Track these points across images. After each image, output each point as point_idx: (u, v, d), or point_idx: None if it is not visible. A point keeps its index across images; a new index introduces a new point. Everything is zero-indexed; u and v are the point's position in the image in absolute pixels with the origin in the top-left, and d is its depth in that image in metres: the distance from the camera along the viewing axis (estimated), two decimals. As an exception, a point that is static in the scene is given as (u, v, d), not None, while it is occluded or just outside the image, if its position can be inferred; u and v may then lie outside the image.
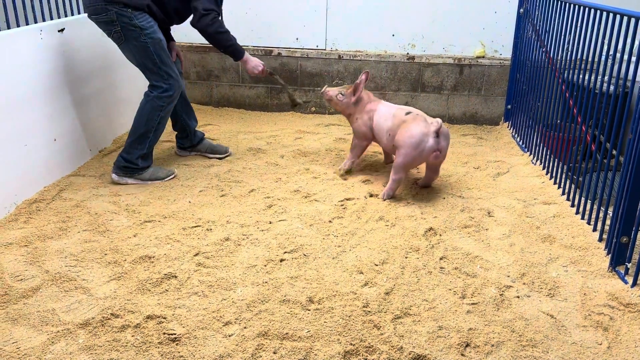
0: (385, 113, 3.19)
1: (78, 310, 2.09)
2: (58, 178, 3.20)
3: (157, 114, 3.11)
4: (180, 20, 3.26)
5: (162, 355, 1.88)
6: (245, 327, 2.01)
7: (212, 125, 4.35)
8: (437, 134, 2.90)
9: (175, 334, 1.96)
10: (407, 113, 3.03)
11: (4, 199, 2.76)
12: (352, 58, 4.53)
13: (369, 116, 3.27)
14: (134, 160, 3.15)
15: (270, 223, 2.79)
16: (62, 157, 3.22)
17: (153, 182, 3.21)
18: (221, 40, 3.16)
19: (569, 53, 3.19)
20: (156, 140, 3.24)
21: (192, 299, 2.17)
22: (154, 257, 2.44)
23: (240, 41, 3.38)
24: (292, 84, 4.65)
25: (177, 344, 1.93)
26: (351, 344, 1.93)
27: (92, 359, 1.85)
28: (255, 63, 3.32)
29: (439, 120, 2.91)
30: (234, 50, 3.22)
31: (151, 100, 3.09)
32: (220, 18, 3.15)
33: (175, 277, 2.31)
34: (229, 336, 1.97)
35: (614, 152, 2.78)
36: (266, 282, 2.29)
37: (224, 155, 3.62)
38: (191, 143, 3.62)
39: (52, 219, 2.76)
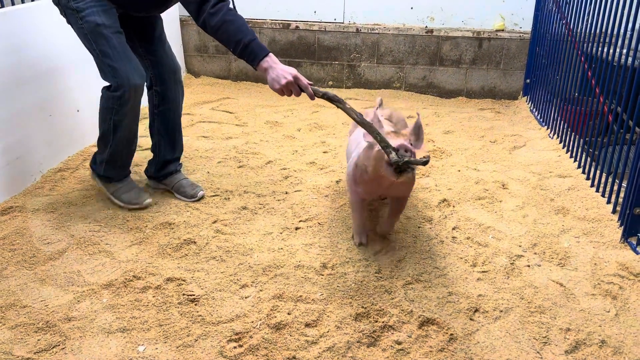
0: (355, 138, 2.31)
1: (102, 272, 2.19)
2: (81, 148, 3.30)
3: (109, 117, 2.45)
4: (155, 6, 2.44)
5: (181, 314, 1.96)
6: (260, 290, 2.09)
7: (231, 99, 4.40)
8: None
9: (194, 295, 2.05)
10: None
11: (31, 167, 2.87)
12: (369, 31, 4.52)
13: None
14: (96, 161, 2.64)
15: (287, 193, 2.85)
16: (85, 128, 3.31)
17: (127, 205, 2.62)
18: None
19: (590, 25, 3.15)
20: (123, 152, 2.58)
21: (210, 263, 2.25)
22: (174, 223, 2.53)
23: (257, 15, 3.18)
24: (309, 57, 4.66)
25: (195, 305, 2.01)
26: (363, 307, 2.00)
27: (115, 316, 1.94)
28: (277, 74, 2.20)
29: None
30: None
31: (103, 99, 2.44)
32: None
33: (195, 242, 2.39)
34: (245, 298, 2.05)
35: (631, 125, 2.76)
36: (281, 249, 2.36)
37: (191, 200, 2.73)
38: (153, 173, 2.79)
39: (76, 187, 2.86)
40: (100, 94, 2.45)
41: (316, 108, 4.20)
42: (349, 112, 2.11)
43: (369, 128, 2.01)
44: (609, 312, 2.02)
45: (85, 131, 3.32)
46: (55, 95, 3.04)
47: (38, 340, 1.83)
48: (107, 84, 2.41)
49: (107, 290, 2.08)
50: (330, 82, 4.73)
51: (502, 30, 4.41)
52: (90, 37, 2.31)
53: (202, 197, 2.76)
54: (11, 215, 2.57)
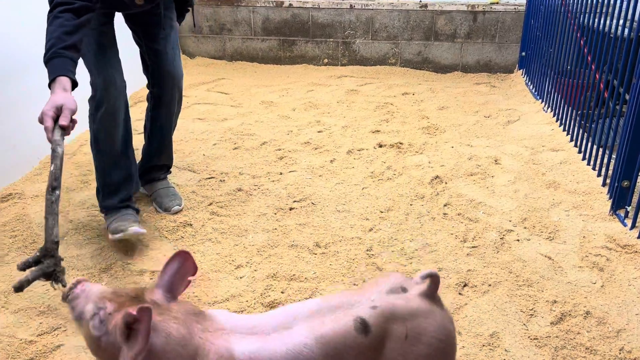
0: None
1: (100, 257, 2.25)
2: (77, 134, 3.33)
3: (91, 122, 2.29)
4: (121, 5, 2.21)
5: (178, 295, 2.02)
6: (255, 270, 2.15)
7: (226, 79, 4.41)
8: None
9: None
10: (363, 324, 1.19)
11: (29, 154, 2.91)
12: (363, 7, 4.49)
13: None
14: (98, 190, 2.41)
15: (281, 174, 2.89)
16: (81, 114, 3.32)
17: (113, 236, 2.24)
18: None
19: (582, -3, 3.13)
20: (111, 173, 2.33)
21: (206, 245, 2.31)
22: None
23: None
24: (304, 35, 4.65)
25: (191, 286, 2.07)
26: (354, 284, 2.05)
27: (114, 299, 2.00)
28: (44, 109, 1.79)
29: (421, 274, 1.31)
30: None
31: (89, 100, 2.28)
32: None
33: (190, 225, 2.44)
34: (240, 278, 2.11)
35: (627, 97, 2.77)
36: (275, 229, 2.40)
37: (164, 212, 2.53)
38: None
39: (74, 172, 2.90)
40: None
41: (311, 87, 4.21)
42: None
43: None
44: (595, 283, 2.07)
45: (82, 117, 3.33)
46: (50, 82, 3.06)
47: (40, 323, 1.89)
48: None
49: (105, 274, 2.14)
50: (326, 60, 4.72)
51: (497, 2, 4.37)
52: None
53: (177, 212, 2.51)
54: (11, 202, 2.62)
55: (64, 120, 1.73)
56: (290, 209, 2.57)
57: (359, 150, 3.13)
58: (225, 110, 3.76)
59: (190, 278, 1.27)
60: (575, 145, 3.10)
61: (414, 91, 4.12)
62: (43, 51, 1.92)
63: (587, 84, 3.15)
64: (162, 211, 2.54)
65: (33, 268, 1.55)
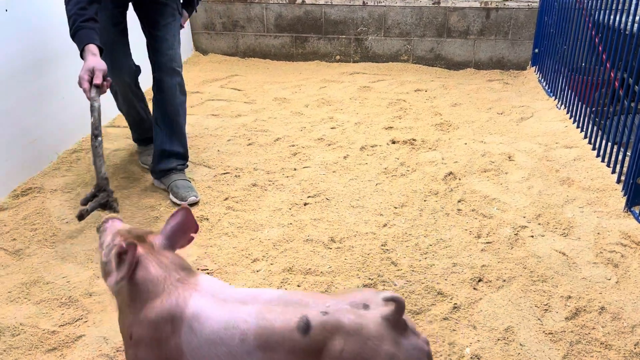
0: (220, 331, 1.25)
1: (119, 249, 2.28)
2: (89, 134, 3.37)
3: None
4: None
5: (196, 288, 2.06)
6: (271, 264, 2.17)
7: (239, 76, 4.44)
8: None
9: (208, 270, 2.14)
10: (306, 325, 1.20)
11: (48, 149, 2.96)
12: (376, 4, 4.50)
13: (160, 335, 1.28)
14: None
15: (295, 170, 2.91)
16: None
17: (143, 165, 2.96)
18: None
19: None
20: (128, 118, 2.92)
21: (223, 239, 2.34)
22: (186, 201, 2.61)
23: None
24: (316, 32, 4.67)
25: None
26: (369, 278, 2.08)
27: (133, 291, 2.04)
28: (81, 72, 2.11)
29: (383, 293, 1.25)
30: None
31: None
32: None
33: (207, 219, 2.47)
34: (257, 271, 2.13)
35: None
36: (291, 224, 2.43)
37: (180, 202, 2.57)
38: (153, 167, 2.75)
39: (91, 167, 2.93)
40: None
41: (324, 84, 4.23)
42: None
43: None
44: (610, 279, 2.08)
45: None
46: (68, 78, 3.10)
47: (62, 314, 1.93)
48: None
49: (124, 267, 2.18)
50: (338, 57, 4.73)
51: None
52: None
53: (194, 204, 2.56)
54: (30, 195, 2.66)
55: (97, 80, 2.08)
56: (305, 204, 2.59)
57: (372, 147, 3.15)
58: (239, 107, 3.79)
59: (192, 235, 1.43)
60: (590, 142, 3.09)
61: (427, 88, 4.13)
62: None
63: (601, 81, 3.14)
64: (178, 201, 2.57)
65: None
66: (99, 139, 2.08)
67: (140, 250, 1.33)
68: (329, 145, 3.19)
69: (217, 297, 1.29)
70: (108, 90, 2.24)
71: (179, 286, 1.31)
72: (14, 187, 2.71)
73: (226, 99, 3.93)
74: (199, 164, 2.97)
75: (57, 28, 2.99)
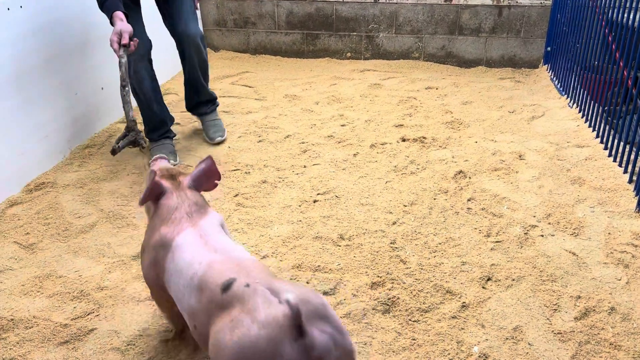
0: (184, 265, 1.46)
1: (130, 245, 2.31)
2: (106, 125, 3.41)
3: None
4: None
5: (206, 283, 2.07)
6: (281, 260, 2.19)
7: (250, 72, 4.45)
8: (300, 327, 1.19)
9: (217, 266, 2.15)
10: (228, 285, 1.32)
11: (61, 144, 2.99)
12: (388, 1, 4.49)
13: (157, 256, 1.56)
14: None
15: (305, 167, 2.92)
16: (109, 105, 3.42)
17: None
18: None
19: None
20: (143, 113, 3.00)
21: (233, 235, 2.35)
22: (196, 197, 2.63)
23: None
24: (327, 29, 4.67)
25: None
26: (378, 276, 2.08)
27: (144, 286, 2.06)
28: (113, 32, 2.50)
29: (291, 293, 1.23)
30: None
31: None
32: None
33: (217, 215, 2.49)
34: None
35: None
36: (300, 221, 2.44)
37: (210, 142, 3.20)
38: (187, 108, 3.31)
39: (103, 162, 2.97)
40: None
41: (334, 81, 4.23)
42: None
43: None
44: (620, 280, 2.07)
45: (110, 108, 3.42)
46: (80, 74, 3.14)
47: (74, 307, 1.96)
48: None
49: (135, 262, 2.20)
50: (349, 54, 4.73)
51: (523, -3, 4.33)
52: None
53: (221, 142, 3.14)
54: (43, 190, 2.70)
55: (124, 40, 2.45)
56: (315, 201, 2.60)
57: (382, 144, 3.15)
58: (250, 104, 3.80)
59: (216, 182, 1.73)
60: (602, 142, 3.07)
61: (438, 85, 4.12)
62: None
63: (614, 79, 3.12)
64: (208, 140, 3.14)
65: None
66: (127, 88, 2.44)
67: (167, 184, 1.65)
68: (339, 142, 3.19)
69: (202, 238, 1.51)
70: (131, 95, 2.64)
71: (183, 219, 1.56)
72: (27, 181, 2.75)
73: (237, 96, 3.95)
74: (209, 161, 2.99)
75: (70, 25, 3.03)
